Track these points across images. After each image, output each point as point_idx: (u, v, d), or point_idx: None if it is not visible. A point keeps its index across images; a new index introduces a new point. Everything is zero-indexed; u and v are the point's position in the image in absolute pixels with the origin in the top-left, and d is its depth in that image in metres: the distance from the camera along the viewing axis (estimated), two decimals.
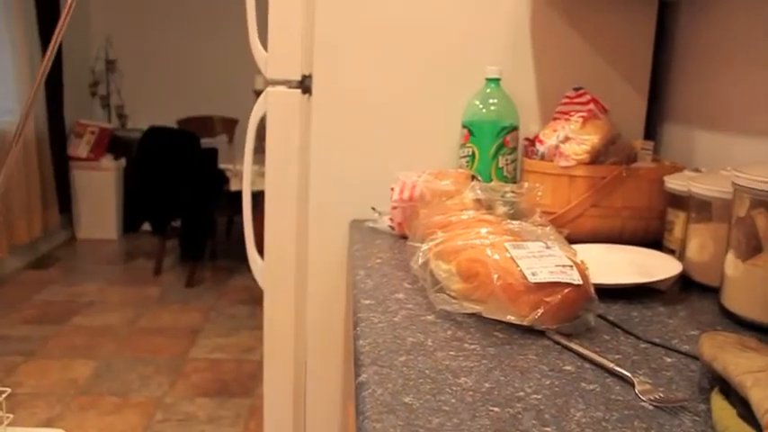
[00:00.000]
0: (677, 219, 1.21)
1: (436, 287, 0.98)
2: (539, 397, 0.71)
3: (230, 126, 5.37)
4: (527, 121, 1.54)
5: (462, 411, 0.67)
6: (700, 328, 0.94)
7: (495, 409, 0.68)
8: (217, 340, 3.44)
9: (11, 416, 1.78)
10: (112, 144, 5.28)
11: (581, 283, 0.90)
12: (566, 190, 1.33)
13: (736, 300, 0.97)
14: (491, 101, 1.48)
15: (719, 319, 0.99)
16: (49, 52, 1.11)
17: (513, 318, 0.89)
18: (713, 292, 1.05)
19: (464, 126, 1.50)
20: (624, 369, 0.77)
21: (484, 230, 1.01)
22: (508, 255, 0.93)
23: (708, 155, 1.46)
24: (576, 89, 1.45)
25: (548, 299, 0.88)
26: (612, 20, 1.58)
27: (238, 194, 1.75)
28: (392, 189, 1.36)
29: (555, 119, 1.45)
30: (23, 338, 3.33)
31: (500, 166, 1.47)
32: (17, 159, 4.46)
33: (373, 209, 1.48)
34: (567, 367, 0.79)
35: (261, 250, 1.67)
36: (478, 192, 1.20)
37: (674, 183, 1.22)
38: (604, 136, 1.34)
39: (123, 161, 5.26)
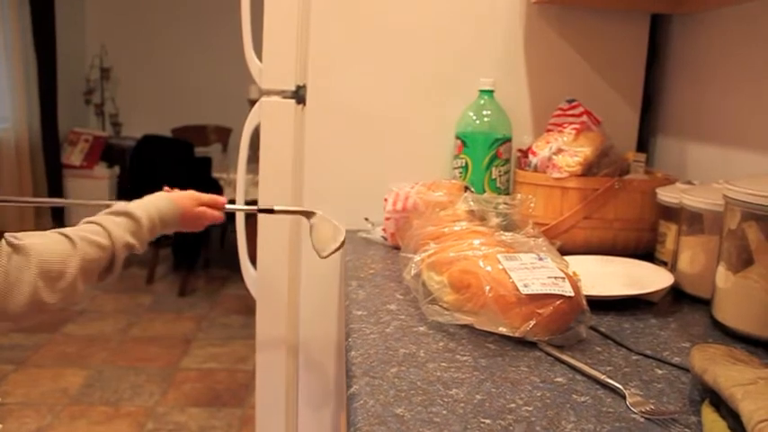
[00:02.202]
0: (669, 231, 1.22)
1: (428, 298, 0.98)
2: (530, 409, 0.71)
3: (224, 135, 5.37)
4: (520, 133, 1.55)
5: (454, 423, 0.67)
6: (691, 340, 0.94)
7: (487, 420, 0.68)
8: (209, 350, 3.42)
9: (0, 426, 1.77)
10: (106, 152, 5.27)
11: (573, 294, 0.91)
12: (558, 201, 1.33)
13: (727, 312, 0.98)
14: (484, 112, 1.49)
15: (710, 331, 0.99)
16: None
17: (504, 329, 0.89)
18: (704, 303, 1.05)
19: (457, 137, 1.50)
20: (615, 381, 0.77)
21: (476, 242, 1.01)
22: (500, 266, 0.93)
23: (700, 167, 1.47)
24: (569, 101, 1.46)
25: (540, 310, 0.88)
26: (605, 33, 1.59)
27: (231, 204, 1.74)
28: (385, 200, 1.36)
29: (548, 130, 1.46)
30: (14, 347, 3.31)
31: (493, 177, 1.47)
32: (10, 166, 4.45)
33: (366, 219, 1.48)
34: (559, 379, 0.79)
35: (254, 260, 1.67)
36: (471, 203, 1.20)
37: (666, 195, 1.22)
38: (597, 148, 1.35)
39: (117, 169, 5.25)
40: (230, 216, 1.68)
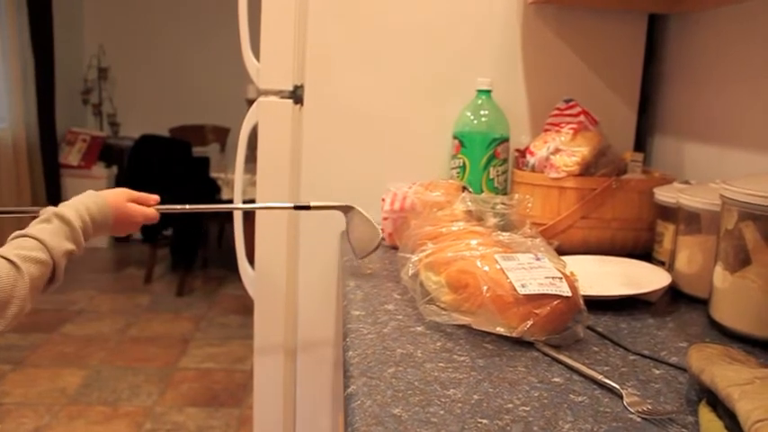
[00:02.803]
0: (666, 230, 1.22)
1: (426, 298, 0.98)
2: (527, 409, 0.71)
3: (222, 135, 5.36)
4: (518, 133, 1.55)
5: (451, 423, 0.67)
6: (688, 340, 0.94)
7: (484, 420, 0.68)
8: (207, 350, 3.42)
9: None
10: (104, 152, 5.26)
11: (570, 294, 0.91)
12: (556, 201, 1.33)
13: (725, 312, 0.98)
14: (482, 112, 1.49)
15: (708, 330, 0.99)
16: None
17: (502, 329, 0.89)
18: (702, 303, 1.05)
19: (455, 137, 1.50)
20: (613, 381, 0.77)
21: (474, 242, 1.01)
22: (498, 266, 0.93)
23: (697, 167, 1.47)
24: (567, 101, 1.46)
25: (537, 310, 0.88)
26: (603, 32, 1.59)
27: (230, 203, 1.74)
28: (383, 200, 1.36)
29: (545, 130, 1.46)
30: (12, 347, 3.31)
31: (491, 177, 1.47)
32: (8, 166, 4.44)
33: None
34: (556, 379, 0.79)
35: (252, 260, 1.67)
36: (469, 203, 1.20)
37: (664, 195, 1.23)
38: (594, 147, 1.35)
39: (115, 169, 5.24)
40: (228, 215, 1.68)
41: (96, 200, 1.14)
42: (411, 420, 0.68)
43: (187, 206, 1.31)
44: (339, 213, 1.31)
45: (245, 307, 3.87)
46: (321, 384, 1.68)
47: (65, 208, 1.08)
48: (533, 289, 0.89)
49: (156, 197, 1.27)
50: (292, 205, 1.35)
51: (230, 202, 1.72)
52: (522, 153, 1.47)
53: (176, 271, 4.49)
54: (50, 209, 1.07)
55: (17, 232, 1.01)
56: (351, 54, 1.56)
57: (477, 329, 0.92)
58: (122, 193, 1.21)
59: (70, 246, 1.04)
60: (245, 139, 1.66)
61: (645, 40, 1.62)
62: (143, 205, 1.23)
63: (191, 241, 4.41)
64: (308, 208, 1.32)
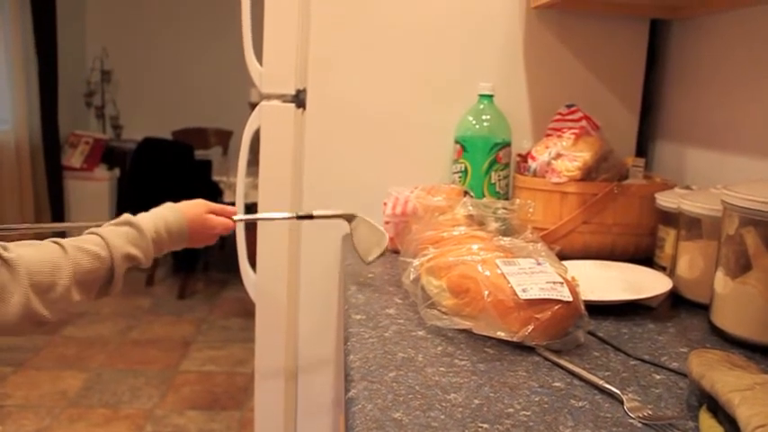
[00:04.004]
0: (668, 236, 1.22)
1: (427, 303, 0.98)
2: (528, 414, 0.71)
3: (225, 138, 5.37)
4: (519, 138, 1.55)
5: (452, 428, 0.68)
6: (689, 346, 0.94)
7: (485, 425, 0.68)
8: (208, 352, 3.42)
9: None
10: (107, 154, 5.27)
11: (571, 299, 0.91)
12: (557, 206, 1.33)
13: (726, 317, 0.98)
14: (484, 117, 1.49)
15: (709, 336, 0.99)
16: None
17: (503, 334, 0.89)
18: (703, 309, 1.05)
19: (457, 142, 1.50)
20: (613, 386, 0.77)
21: (475, 246, 1.01)
22: (499, 271, 0.93)
23: (699, 172, 1.47)
24: (569, 106, 1.47)
25: (538, 315, 0.88)
26: (605, 38, 1.60)
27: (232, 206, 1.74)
28: (385, 204, 1.37)
29: (547, 135, 1.46)
30: (13, 348, 3.31)
31: (492, 181, 1.47)
32: (10, 168, 4.45)
33: None
34: (557, 384, 0.79)
35: (253, 263, 1.67)
36: (470, 207, 1.20)
37: (665, 200, 1.23)
38: (596, 153, 1.35)
39: (117, 172, 5.25)
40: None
41: (174, 212, 1.15)
42: (412, 424, 0.68)
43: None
44: None
45: (247, 310, 3.87)
46: (322, 387, 1.68)
47: (141, 217, 1.09)
48: (534, 294, 0.90)
49: (234, 209, 1.27)
50: (295, 215, 1.32)
51: (232, 205, 1.72)
52: (524, 158, 1.47)
53: (178, 274, 4.50)
54: (127, 215, 1.07)
55: (89, 230, 1.03)
56: (353, 58, 1.56)
57: (478, 334, 0.92)
58: (201, 205, 1.21)
59: (133, 251, 1.04)
60: (248, 143, 1.67)
61: (647, 46, 1.62)
62: (221, 216, 1.24)
63: None
64: (311, 217, 1.31)
